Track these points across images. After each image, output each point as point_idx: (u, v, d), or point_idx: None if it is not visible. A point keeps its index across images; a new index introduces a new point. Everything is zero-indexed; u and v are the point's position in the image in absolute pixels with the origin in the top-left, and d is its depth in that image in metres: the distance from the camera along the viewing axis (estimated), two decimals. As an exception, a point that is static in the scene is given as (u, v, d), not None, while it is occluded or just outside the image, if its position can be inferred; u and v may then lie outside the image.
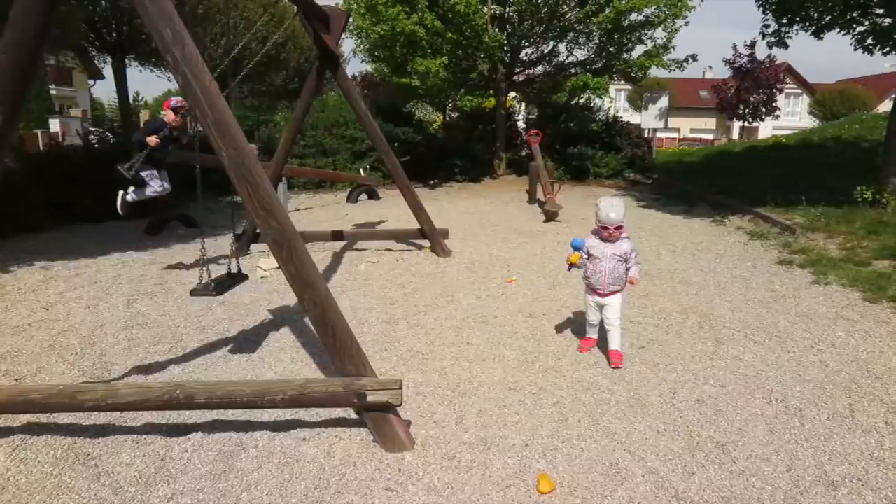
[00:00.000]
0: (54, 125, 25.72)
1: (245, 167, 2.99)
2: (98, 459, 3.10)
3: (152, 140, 5.51)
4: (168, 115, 5.79)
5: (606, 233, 4.12)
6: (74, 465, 3.04)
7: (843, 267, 6.60)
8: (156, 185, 5.98)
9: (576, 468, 3.00)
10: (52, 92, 33.47)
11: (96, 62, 23.66)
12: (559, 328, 5.07)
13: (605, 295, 4.24)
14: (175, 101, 5.89)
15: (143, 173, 5.86)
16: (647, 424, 3.43)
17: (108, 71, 20.95)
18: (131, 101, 27.15)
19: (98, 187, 10.41)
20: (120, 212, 6.22)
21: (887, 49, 9.55)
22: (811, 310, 5.44)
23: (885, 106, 26.68)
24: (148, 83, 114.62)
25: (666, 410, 3.60)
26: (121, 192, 6.12)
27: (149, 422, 3.46)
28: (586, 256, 4.22)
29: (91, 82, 33.93)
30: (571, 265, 4.28)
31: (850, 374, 4.08)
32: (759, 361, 4.32)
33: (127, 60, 18.57)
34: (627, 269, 4.19)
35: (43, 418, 3.44)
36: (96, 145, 12.46)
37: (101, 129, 14.53)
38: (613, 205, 4.10)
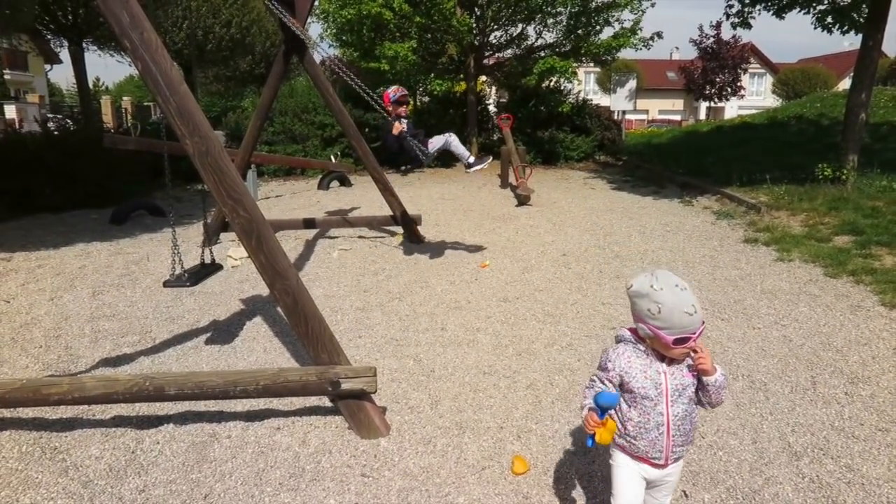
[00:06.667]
0: (10, 111, 24.85)
1: (210, 156, 2.92)
2: (66, 453, 3.04)
3: (396, 127, 5.75)
4: (395, 111, 5.96)
5: (681, 348, 1.93)
6: (41, 460, 2.98)
7: (806, 244, 6.79)
8: (438, 141, 6.10)
9: (549, 449, 3.05)
10: (6, 76, 32.28)
11: (52, 46, 22.81)
12: (532, 312, 5.12)
13: (664, 465, 2.07)
14: (392, 94, 5.95)
15: (428, 149, 6.00)
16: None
17: (65, 55, 20.21)
18: (91, 86, 26.32)
19: (58, 175, 10.13)
20: (480, 164, 6.16)
21: (846, 27, 9.76)
22: (775, 286, 5.58)
23: (845, 84, 27.31)
24: (109, 68, 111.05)
25: (636, 389, 3.67)
26: (471, 166, 6.12)
27: (118, 414, 3.41)
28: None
29: (48, 67, 32.84)
30: (595, 441, 1.99)
31: (812, 347, 4.22)
32: (725, 338, 4.43)
33: (85, 44, 17.92)
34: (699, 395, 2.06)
35: (6, 413, 3.36)
36: (55, 132, 12.06)
37: (59, 116, 14.03)
38: (680, 286, 1.91)
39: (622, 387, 2.06)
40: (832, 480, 2.75)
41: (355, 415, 3.16)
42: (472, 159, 6.06)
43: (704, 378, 2.00)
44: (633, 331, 2.07)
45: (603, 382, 2.06)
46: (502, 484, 2.78)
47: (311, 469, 2.90)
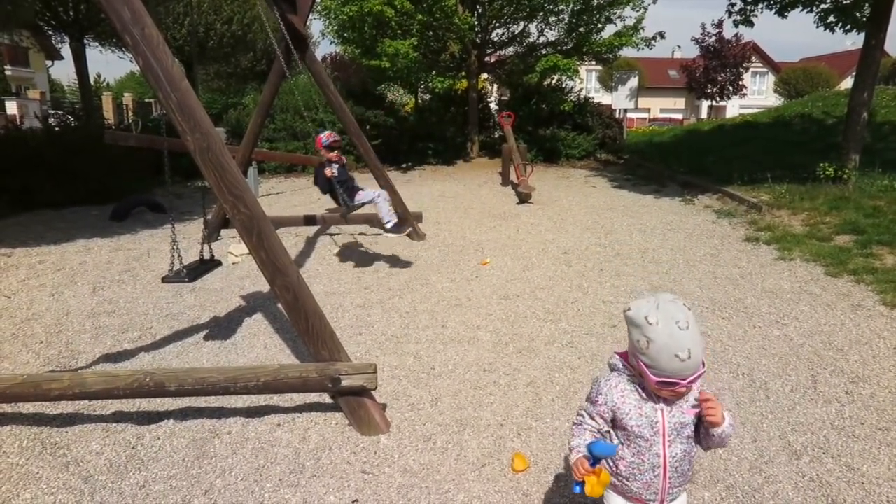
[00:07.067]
0: (11, 107, 24.84)
1: (211, 152, 2.92)
2: (66, 448, 3.05)
3: (328, 171, 5.82)
4: (327, 155, 5.96)
5: (668, 391, 1.75)
6: (42, 455, 2.99)
7: (807, 243, 6.78)
8: (365, 196, 6.11)
9: (549, 446, 3.05)
10: (7, 72, 32.27)
11: (53, 42, 22.81)
12: (533, 309, 5.12)
13: None
14: (325, 139, 5.96)
15: (355, 201, 6.02)
16: (619, 401, 3.49)
17: (66, 51, 20.20)
18: (92, 83, 26.31)
19: (59, 172, 10.12)
20: (404, 232, 6.22)
21: (848, 26, 9.74)
22: (776, 285, 5.58)
23: (847, 83, 27.26)
24: (110, 64, 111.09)
25: (637, 387, 3.67)
26: (387, 230, 6.18)
27: (119, 410, 3.41)
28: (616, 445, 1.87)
29: (49, 63, 32.83)
30: (584, 490, 1.76)
31: (812, 346, 4.21)
32: (726, 337, 4.43)
33: (86, 40, 17.91)
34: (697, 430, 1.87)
35: (7, 408, 3.36)
36: (56, 128, 12.05)
37: (60, 112, 14.01)
38: (682, 324, 1.67)
39: (614, 422, 1.86)
40: (832, 479, 2.75)
41: (355, 411, 3.16)
42: (390, 224, 6.05)
43: (711, 429, 1.78)
44: (626, 357, 1.86)
45: (593, 418, 1.87)
46: (502, 481, 2.78)
47: (311, 465, 2.90)
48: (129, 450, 3.03)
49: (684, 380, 1.68)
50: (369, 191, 6.18)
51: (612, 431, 1.88)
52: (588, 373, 3.87)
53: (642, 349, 1.71)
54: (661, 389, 1.75)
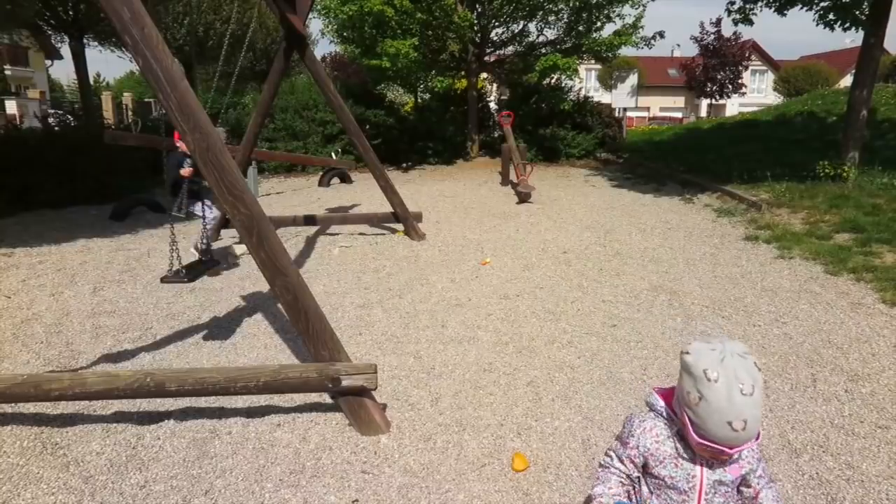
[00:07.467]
0: (10, 107, 24.83)
1: (211, 152, 2.92)
2: (67, 448, 3.05)
3: (186, 171, 5.35)
4: (183, 147, 5.59)
5: (707, 454, 1.57)
6: (42, 455, 2.99)
7: (806, 241, 6.78)
8: (208, 214, 5.87)
9: (549, 446, 3.05)
10: (7, 72, 32.25)
11: (53, 41, 22.80)
12: (533, 309, 5.12)
13: None
14: None
15: (189, 208, 5.63)
16: (619, 401, 3.50)
17: (66, 51, 20.20)
18: (92, 82, 26.29)
19: (59, 171, 10.13)
20: (204, 259, 5.79)
21: (848, 24, 9.74)
22: (776, 284, 5.58)
23: (847, 81, 27.25)
24: (109, 64, 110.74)
25: (637, 387, 3.68)
26: (192, 251, 6.01)
27: (119, 410, 3.41)
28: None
29: (48, 62, 32.80)
30: None
31: (812, 345, 4.22)
32: (726, 336, 4.43)
33: (85, 40, 17.91)
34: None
35: (8, 408, 3.36)
36: (56, 128, 12.05)
37: (60, 112, 14.02)
38: (746, 389, 1.43)
39: (645, 468, 1.68)
40: (832, 478, 2.75)
41: (356, 412, 3.17)
42: (194, 250, 5.92)
43: None
44: (668, 397, 1.65)
45: (622, 461, 1.70)
46: (502, 481, 2.78)
47: (312, 465, 2.90)
48: (129, 450, 3.03)
49: (730, 448, 1.48)
50: (209, 210, 5.91)
51: (641, 477, 1.71)
52: (588, 372, 3.88)
53: (691, 403, 1.50)
54: (702, 450, 1.55)
